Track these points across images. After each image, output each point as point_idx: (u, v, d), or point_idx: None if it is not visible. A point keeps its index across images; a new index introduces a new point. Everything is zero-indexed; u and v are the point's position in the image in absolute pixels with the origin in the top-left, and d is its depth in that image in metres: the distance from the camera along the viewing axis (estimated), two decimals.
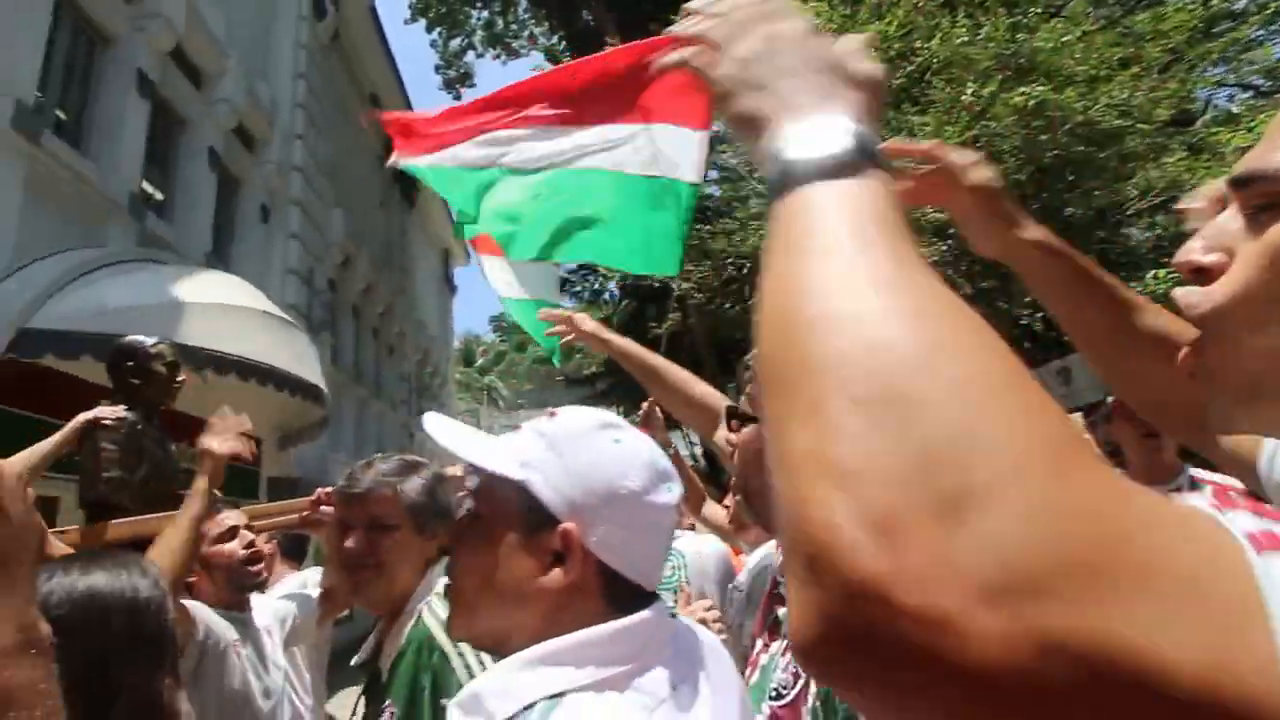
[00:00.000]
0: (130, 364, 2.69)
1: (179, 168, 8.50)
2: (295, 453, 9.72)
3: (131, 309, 5.58)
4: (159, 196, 8.12)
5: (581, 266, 14.45)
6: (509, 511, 0.76)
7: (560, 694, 0.66)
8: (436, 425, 0.83)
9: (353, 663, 1.55)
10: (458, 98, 15.39)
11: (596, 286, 14.69)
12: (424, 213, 20.67)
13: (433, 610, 1.35)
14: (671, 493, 0.78)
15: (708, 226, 8.59)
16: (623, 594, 0.75)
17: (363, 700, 1.44)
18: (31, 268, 5.60)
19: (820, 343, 0.31)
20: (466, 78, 15.04)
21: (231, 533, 2.24)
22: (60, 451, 2.42)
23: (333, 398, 9.35)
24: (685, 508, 3.38)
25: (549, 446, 0.77)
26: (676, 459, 2.93)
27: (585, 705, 0.66)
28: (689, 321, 11.11)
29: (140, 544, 2.32)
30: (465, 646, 1.25)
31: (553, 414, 0.82)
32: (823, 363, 0.31)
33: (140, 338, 2.78)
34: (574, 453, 0.76)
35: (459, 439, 0.82)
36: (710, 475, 5.07)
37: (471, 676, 1.17)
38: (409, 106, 17.29)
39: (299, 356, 7.45)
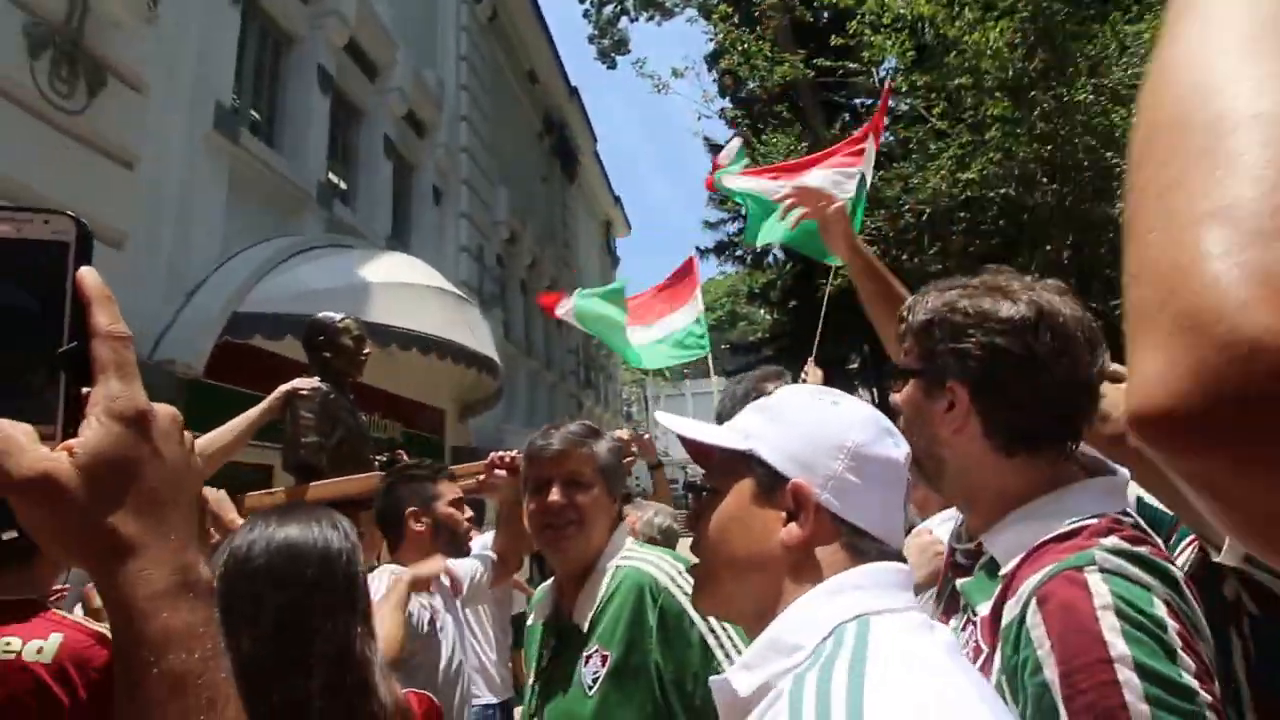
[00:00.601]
0: (321, 338, 2.94)
1: (359, 156, 9.06)
2: (473, 423, 10.22)
3: (325, 291, 5.97)
4: (343, 185, 8.70)
5: (739, 231, 14.18)
6: (740, 480, 0.80)
7: (860, 615, 0.69)
8: (668, 418, 0.89)
9: (529, 623, 1.66)
10: (612, 66, 15.35)
11: (758, 249, 14.15)
12: (585, 186, 21.04)
13: (645, 560, 1.46)
14: (899, 448, 0.80)
15: (880, 173, 7.85)
16: (866, 550, 0.75)
17: (546, 655, 1.52)
18: (238, 257, 6.13)
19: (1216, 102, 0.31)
20: (621, 45, 14.95)
21: (459, 502, 2.41)
22: (265, 419, 2.63)
23: (506, 370, 9.70)
24: None
25: (769, 419, 0.83)
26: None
27: (888, 622, 0.68)
28: None
29: (340, 504, 2.49)
30: (685, 581, 1.35)
31: (768, 392, 0.91)
32: (1220, 123, 0.30)
33: (330, 314, 3.03)
34: (794, 417, 0.81)
35: (688, 426, 0.87)
36: None
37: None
38: (566, 79, 17.53)
39: (474, 331, 7.75)
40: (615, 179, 23.67)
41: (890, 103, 10.63)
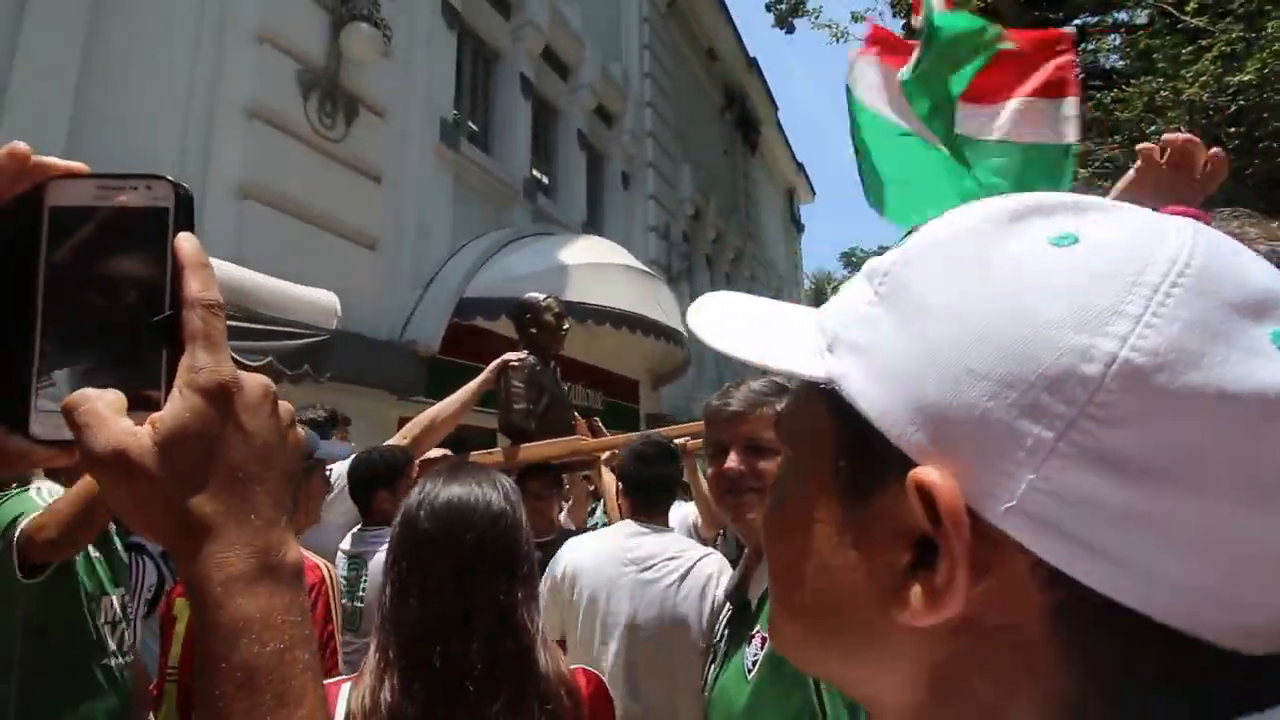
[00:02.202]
0: (528, 316, 3.25)
1: (556, 152, 9.92)
2: (664, 392, 10.86)
3: (531, 275, 6.76)
4: (544, 180, 9.59)
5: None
6: (818, 448, 0.37)
7: None
8: (700, 315, 0.43)
9: (722, 592, 1.53)
10: (790, 30, 15.14)
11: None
12: (767, 156, 20.94)
13: None
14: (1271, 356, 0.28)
15: (1111, 93, 6.96)
16: (1163, 668, 0.29)
17: (724, 630, 1.35)
18: (462, 251, 7.11)
19: None
20: (797, 9, 14.72)
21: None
22: (483, 389, 2.98)
23: (693, 342, 10.18)
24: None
25: (886, 292, 0.35)
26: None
27: None
28: None
29: (545, 464, 2.98)
30: None
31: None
32: None
33: (534, 295, 3.34)
34: (944, 293, 0.33)
35: (726, 328, 0.42)
36: None
37: None
38: (745, 54, 17.57)
39: (662, 305, 8.28)
40: (799, 146, 23.20)
41: (1124, 14, 9.30)
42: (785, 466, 0.41)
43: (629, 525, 2.06)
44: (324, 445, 2.19)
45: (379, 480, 2.50)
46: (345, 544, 2.52)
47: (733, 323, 0.43)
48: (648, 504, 2.11)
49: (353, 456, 2.67)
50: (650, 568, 1.92)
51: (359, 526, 2.61)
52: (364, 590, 2.37)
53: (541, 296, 3.31)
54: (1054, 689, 0.30)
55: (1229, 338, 0.27)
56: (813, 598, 0.37)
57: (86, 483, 1.68)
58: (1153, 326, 0.27)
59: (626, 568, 1.93)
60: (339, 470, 2.70)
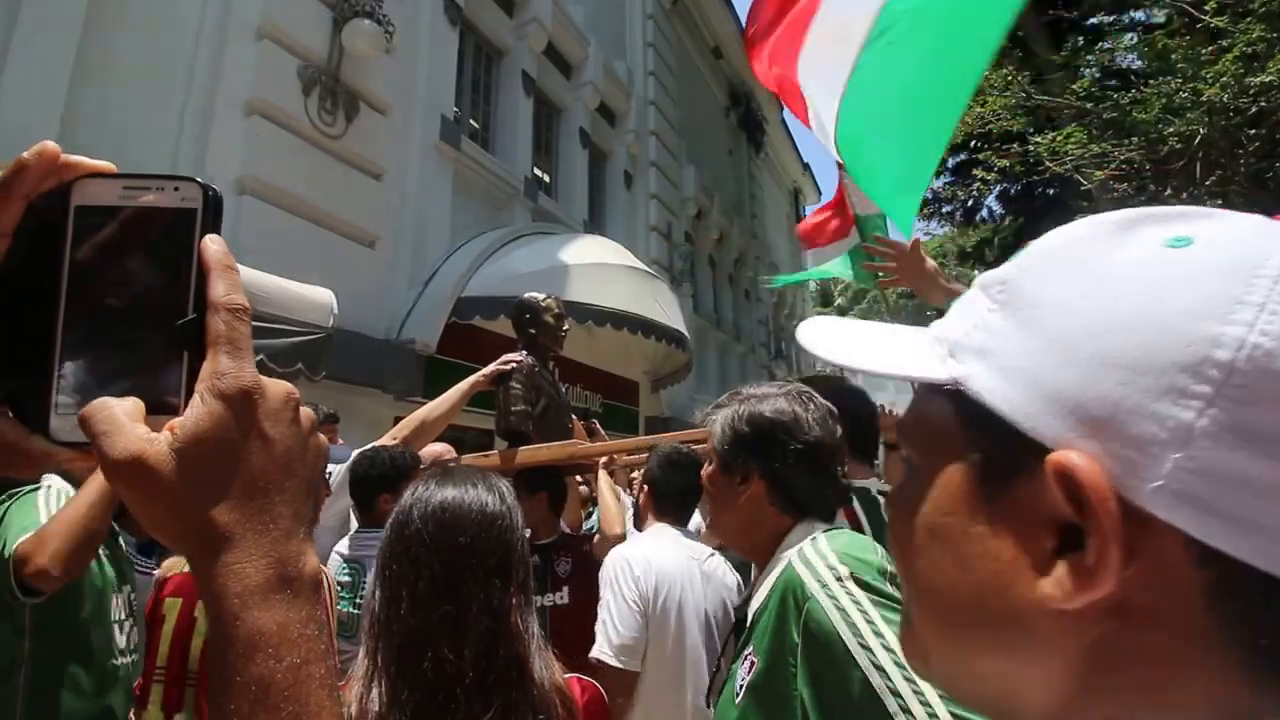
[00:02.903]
0: (527, 316, 3.15)
1: (558, 150, 9.88)
2: (665, 395, 10.82)
3: (530, 274, 6.72)
4: (545, 178, 9.56)
5: (950, 182, 12.32)
6: (946, 447, 0.39)
7: None
8: (810, 333, 0.48)
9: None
10: None
11: (969, 203, 12.52)
12: (772, 156, 20.87)
13: (804, 556, 1.09)
14: None
15: (1129, 94, 6.78)
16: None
17: (731, 643, 1.33)
18: (461, 249, 7.08)
19: None
20: None
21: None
22: (476, 390, 2.89)
23: (695, 343, 10.17)
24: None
25: (1005, 300, 0.38)
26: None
27: None
28: None
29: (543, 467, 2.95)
30: (845, 591, 0.99)
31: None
32: None
33: (534, 294, 3.23)
34: (1065, 295, 0.35)
35: (840, 343, 0.46)
36: None
37: (853, 624, 0.94)
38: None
39: (663, 306, 8.22)
40: (805, 145, 23.15)
41: (1141, 14, 9.15)
42: (910, 472, 0.42)
43: (668, 529, 2.20)
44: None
45: (384, 482, 2.43)
46: (341, 547, 2.47)
47: (849, 339, 0.46)
48: (678, 509, 2.27)
49: (355, 454, 2.63)
50: (706, 563, 2.10)
51: (355, 529, 2.56)
52: (362, 595, 2.32)
53: (541, 296, 3.23)
54: (1214, 671, 0.31)
55: None
56: (952, 593, 0.38)
57: (82, 503, 1.65)
58: (1276, 313, 0.30)
59: (692, 563, 2.08)
60: (334, 472, 2.66)
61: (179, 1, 4.94)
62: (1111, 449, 0.31)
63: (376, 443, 2.73)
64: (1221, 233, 0.34)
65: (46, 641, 1.70)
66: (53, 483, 1.83)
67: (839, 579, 0.99)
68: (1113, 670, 0.33)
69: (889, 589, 0.98)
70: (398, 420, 6.13)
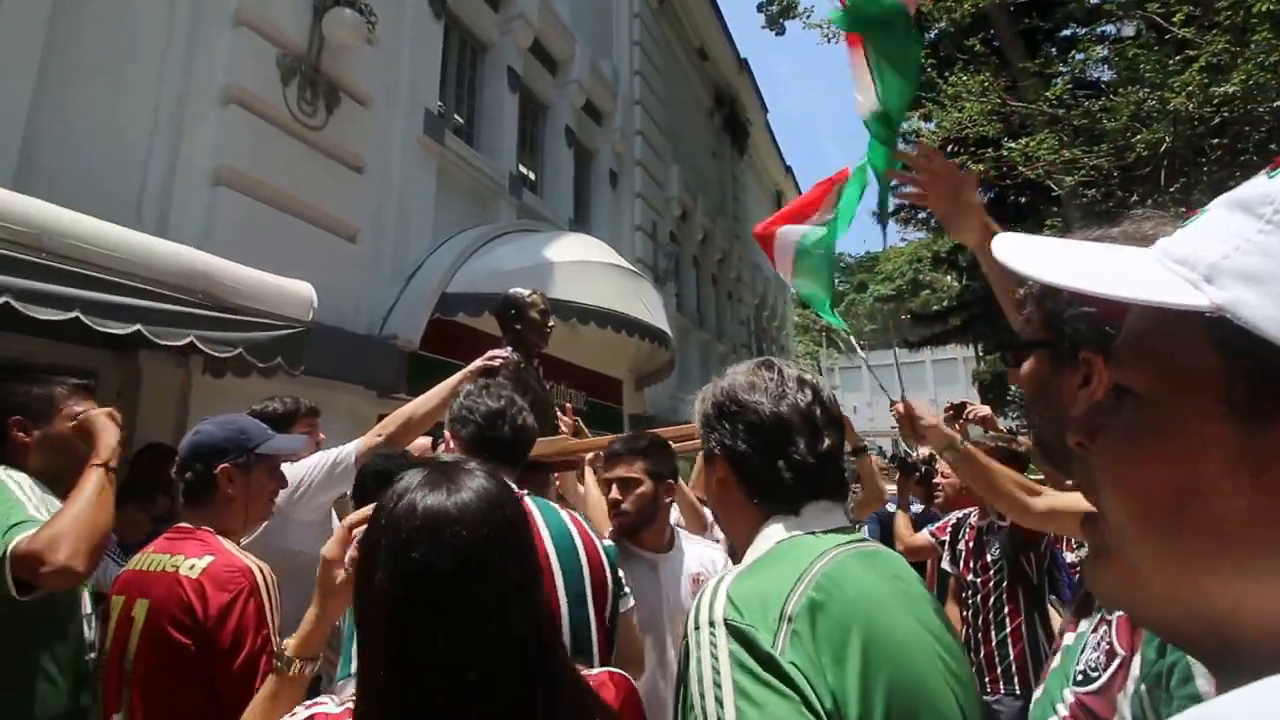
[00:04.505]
0: (513, 312, 3.18)
1: (544, 148, 9.79)
2: (648, 393, 10.77)
3: (515, 271, 6.65)
4: (531, 175, 9.46)
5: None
6: (1195, 380, 0.37)
7: None
8: (1015, 251, 0.43)
9: None
10: (781, 32, 15.15)
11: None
12: (755, 158, 20.92)
13: (708, 586, 0.99)
14: None
15: (1100, 102, 6.97)
16: None
17: None
18: (445, 245, 6.97)
19: None
20: (789, 10, 14.71)
21: None
22: (464, 385, 2.87)
23: (678, 342, 10.13)
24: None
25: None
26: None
27: None
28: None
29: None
30: (710, 637, 0.88)
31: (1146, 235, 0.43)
32: None
33: (520, 290, 3.27)
34: None
35: (1057, 261, 0.42)
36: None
37: (700, 674, 0.86)
38: (736, 55, 17.52)
39: (647, 305, 8.17)
40: (788, 148, 23.24)
41: (1111, 26, 9.33)
42: (1127, 399, 0.40)
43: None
44: (277, 439, 2.06)
45: (383, 486, 2.35)
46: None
47: (1065, 257, 0.42)
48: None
49: (350, 450, 2.54)
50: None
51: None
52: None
53: (527, 292, 3.25)
54: None
55: None
56: (1196, 521, 0.36)
57: (91, 497, 1.68)
58: None
59: None
60: (304, 465, 2.57)
61: None
62: None
63: (362, 439, 2.66)
64: None
65: (26, 637, 1.69)
66: (14, 476, 1.79)
67: (711, 623, 0.88)
68: None
69: (761, 641, 0.83)
70: (380, 418, 6.03)
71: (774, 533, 1.03)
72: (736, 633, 0.84)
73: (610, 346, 8.21)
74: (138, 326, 2.85)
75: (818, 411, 1.08)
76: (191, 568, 1.65)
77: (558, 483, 3.42)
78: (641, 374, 10.25)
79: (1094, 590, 0.44)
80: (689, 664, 0.86)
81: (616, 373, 9.82)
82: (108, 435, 1.90)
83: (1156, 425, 0.38)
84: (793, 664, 0.81)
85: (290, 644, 1.25)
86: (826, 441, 1.07)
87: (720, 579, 0.94)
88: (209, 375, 4.08)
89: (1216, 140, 6.78)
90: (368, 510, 1.03)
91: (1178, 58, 6.51)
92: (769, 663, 0.80)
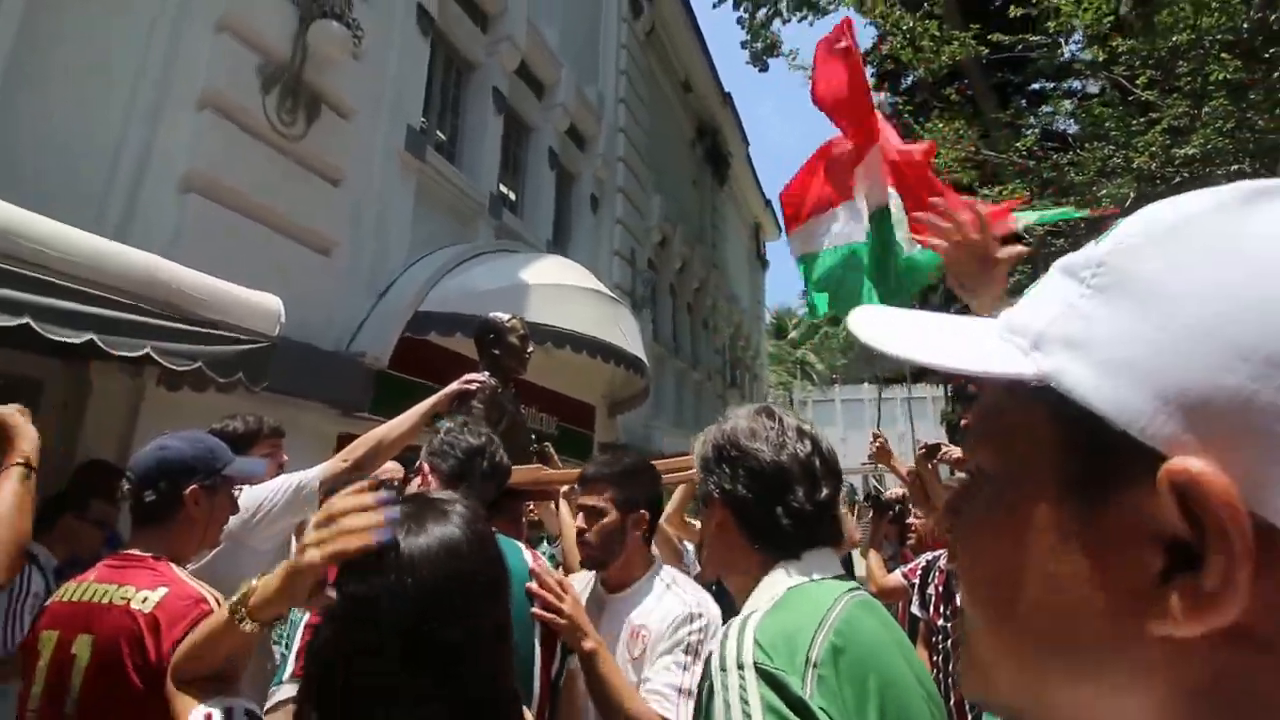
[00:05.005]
0: (492, 336, 3.13)
1: (526, 169, 9.76)
2: (622, 420, 10.68)
3: (491, 292, 6.57)
4: (511, 196, 9.41)
5: None
6: (1030, 454, 0.35)
7: None
8: (867, 326, 0.41)
9: None
10: (764, 69, 15.38)
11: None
12: (735, 190, 21.14)
13: (731, 630, 1.00)
14: None
15: (1067, 156, 7.23)
16: None
17: None
18: (421, 262, 6.86)
19: None
20: (772, 48, 14.95)
21: None
22: (438, 410, 2.79)
23: (653, 369, 10.08)
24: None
25: (1104, 283, 0.33)
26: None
27: None
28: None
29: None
30: (740, 680, 0.89)
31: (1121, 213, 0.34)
32: None
33: (499, 315, 3.21)
34: (1187, 276, 0.31)
35: (904, 337, 0.41)
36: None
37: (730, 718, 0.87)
38: (720, 88, 17.75)
39: (623, 331, 8.12)
40: (767, 182, 23.55)
41: (1078, 83, 9.71)
42: (980, 478, 0.38)
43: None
44: (239, 461, 1.95)
45: None
46: None
47: (912, 331, 0.41)
48: None
49: (314, 475, 2.42)
50: None
51: None
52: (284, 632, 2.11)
53: (506, 317, 3.19)
54: None
55: None
56: (1033, 612, 0.33)
57: (10, 507, 1.57)
58: None
59: None
60: (264, 489, 2.44)
61: None
62: (1240, 455, 0.27)
63: (326, 463, 2.55)
64: None
65: None
66: None
67: (740, 665, 0.89)
68: (1223, 708, 0.29)
69: (792, 685, 0.85)
70: (343, 438, 5.86)
71: (780, 579, 1.06)
72: (768, 676, 0.86)
73: (585, 372, 8.13)
74: (91, 335, 2.72)
75: (817, 462, 1.12)
76: (144, 600, 1.53)
77: (532, 511, 3.34)
78: (615, 400, 10.17)
79: (961, 685, 0.40)
80: (713, 704, 0.87)
81: (590, 398, 9.72)
82: (27, 430, 1.78)
83: (998, 506, 0.36)
84: (821, 708, 0.84)
85: (250, 600, 1.14)
86: (825, 491, 1.11)
87: (745, 621, 0.95)
88: (163, 388, 3.92)
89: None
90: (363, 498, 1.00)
91: (1141, 120, 6.78)
92: (800, 707, 0.83)
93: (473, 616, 0.88)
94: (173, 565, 1.66)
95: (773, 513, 1.08)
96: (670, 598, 1.90)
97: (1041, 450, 0.34)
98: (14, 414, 1.83)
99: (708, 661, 0.94)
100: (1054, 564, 0.32)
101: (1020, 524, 0.34)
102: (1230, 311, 0.28)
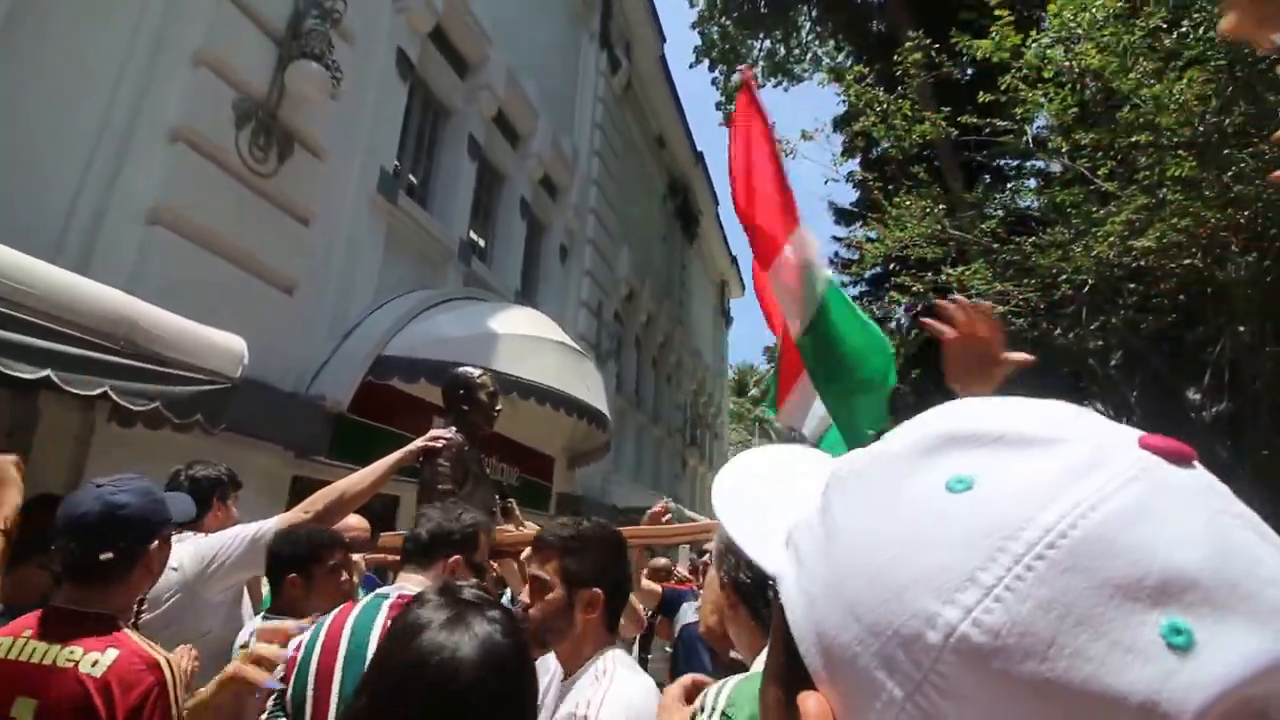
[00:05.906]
0: (462, 391, 3.09)
1: (497, 217, 9.78)
2: (580, 473, 10.54)
3: (458, 339, 6.49)
4: (481, 243, 9.40)
5: (865, 293, 13.70)
6: (776, 636, 0.38)
7: None
8: (719, 487, 0.45)
9: None
10: None
11: (880, 313, 13.47)
12: (703, 247, 21.48)
13: (714, 687, 1.20)
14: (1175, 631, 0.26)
15: (1031, 239, 7.47)
16: None
17: None
18: (385, 307, 6.76)
19: None
20: None
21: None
22: (403, 464, 2.79)
23: (615, 423, 10.00)
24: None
25: (826, 505, 0.36)
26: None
27: None
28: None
29: None
30: None
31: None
32: None
33: (469, 370, 3.18)
34: (849, 525, 0.33)
35: (732, 501, 0.43)
36: None
37: None
38: (693, 146, 18.17)
39: (587, 385, 8.08)
40: (735, 241, 24.04)
41: (1042, 164, 10.14)
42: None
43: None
44: (179, 505, 1.89)
45: (294, 561, 2.19)
46: (244, 635, 2.14)
47: (742, 487, 0.43)
48: None
49: (271, 526, 2.32)
50: None
51: (262, 615, 2.25)
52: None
53: (477, 373, 3.17)
54: None
55: (1097, 625, 0.25)
56: None
57: None
58: (1001, 601, 0.26)
59: None
60: (218, 539, 2.33)
61: (111, 14, 4.64)
62: (844, 705, 0.30)
63: (285, 514, 2.46)
64: (1004, 480, 0.30)
65: None
66: None
67: (714, 708, 1.10)
68: None
69: None
70: (297, 482, 5.64)
71: None
72: None
73: (547, 423, 8.03)
74: (48, 371, 2.59)
75: None
76: (94, 664, 1.44)
77: (495, 570, 3.23)
78: (575, 453, 10.05)
79: None
80: None
81: (550, 450, 9.59)
82: (10, 496, 1.74)
83: (771, 656, 0.39)
84: None
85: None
86: None
87: (731, 679, 1.14)
88: (115, 424, 3.74)
89: (1133, 285, 7.36)
90: (282, 624, 1.14)
91: (1100, 211, 7.05)
92: None
93: None
94: (120, 623, 1.58)
95: (768, 596, 1.21)
96: (585, 689, 1.59)
97: (779, 634, 0.37)
98: (9, 467, 1.77)
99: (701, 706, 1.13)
100: None
101: (766, 688, 0.38)
102: (863, 572, 0.31)
